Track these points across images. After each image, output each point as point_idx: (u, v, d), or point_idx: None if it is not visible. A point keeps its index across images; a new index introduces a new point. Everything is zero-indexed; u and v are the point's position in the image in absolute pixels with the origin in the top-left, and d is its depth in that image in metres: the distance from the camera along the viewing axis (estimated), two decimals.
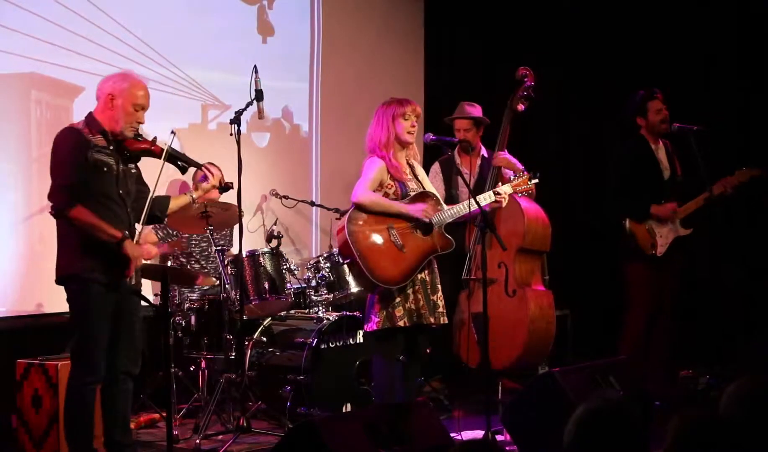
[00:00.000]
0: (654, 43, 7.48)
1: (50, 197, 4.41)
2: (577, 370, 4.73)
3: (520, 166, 6.03)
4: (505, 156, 6.08)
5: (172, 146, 4.63)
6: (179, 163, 4.70)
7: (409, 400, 4.86)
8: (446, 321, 5.08)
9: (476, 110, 6.39)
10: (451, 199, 6.15)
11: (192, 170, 4.87)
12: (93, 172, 4.41)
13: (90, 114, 4.53)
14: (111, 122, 4.49)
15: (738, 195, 6.12)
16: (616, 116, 6.78)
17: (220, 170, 4.77)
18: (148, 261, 5.57)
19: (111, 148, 4.49)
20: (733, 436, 2.30)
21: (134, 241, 4.46)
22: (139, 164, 4.70)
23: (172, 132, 4.62)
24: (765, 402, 2.55)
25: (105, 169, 4.43)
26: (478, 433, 5.09)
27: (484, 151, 6.39)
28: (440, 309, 5.02)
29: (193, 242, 6.39)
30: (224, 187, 4.83)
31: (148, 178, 4.71)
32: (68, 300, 4.52)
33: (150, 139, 4.61)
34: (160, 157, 4.55)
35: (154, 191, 4.53)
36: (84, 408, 4.50)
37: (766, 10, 7.03)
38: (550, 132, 7.86)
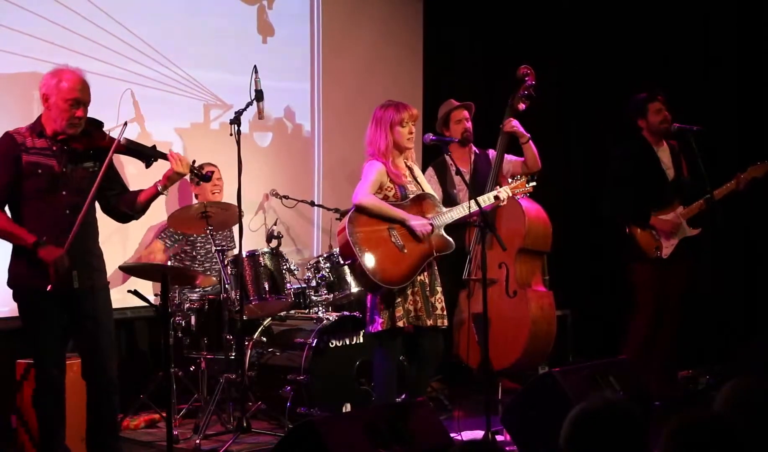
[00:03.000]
0: (654, 43, 7.49)
1: None
2: (577, 370, 4.73)
3: (527, 134, 6.04)
4: (515, 123, 6.07)
5: (127, 138, 4.48)
6: (140, 155, 4.57)
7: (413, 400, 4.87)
8: (446, 324, 5.07)
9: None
10: (450, 198, 6.15)
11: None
12: (25, 174, 4.35)
13: (39, 116, 4.48)
14: (51, 122, 4.40)
15: (751, 190, 6.10)
16: (617, 117, 6.78)
17: (186, 160, 4.56)
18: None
19: (54, 148, 4.40)
20: (730, 437, 2.30)
21: (67, 242, 4.26)
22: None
23: (124, 123, 4.44)
24: (759, 402, 2.55)
25: (39, 170, 4.35)
26: (478, 433, 5.09)
27: (475, 148, 6.39)
28: (439, 311, 5.02)
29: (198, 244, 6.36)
30: (201, 176, 4.71)
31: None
32: None
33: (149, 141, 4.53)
34: (117, 152, 4.45)
35: (95, 188, 4.34)
36: (38, 413, 4.52)
37: (766, 10, 7.03)
38: (550, 132, 7.85)
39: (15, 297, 4.52)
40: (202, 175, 4.76)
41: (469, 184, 5.38)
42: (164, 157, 4.56)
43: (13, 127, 5.75)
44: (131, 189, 4.75)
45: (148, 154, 4.57)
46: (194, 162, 4.66)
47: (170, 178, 4.57)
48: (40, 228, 4.34)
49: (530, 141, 6.09)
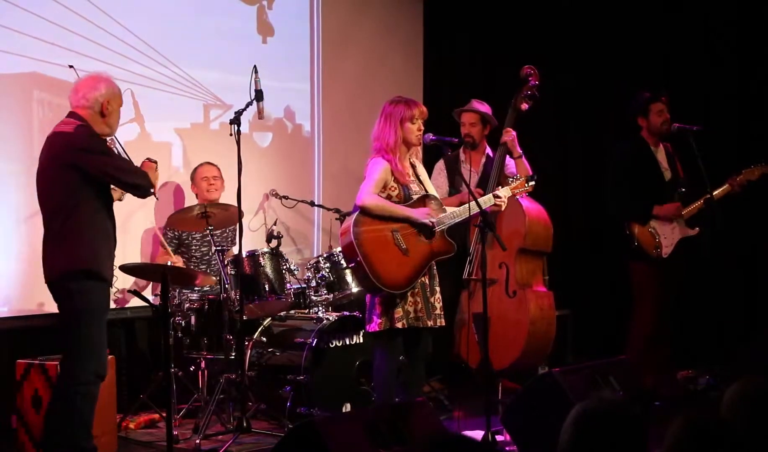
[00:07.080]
0: (654, 43, 7.49)
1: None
2: (577, 370, 4.73)
3: (519, 151, 6.04)
4: (514, 136, 6.05)
5: (121, 144, 4.78)
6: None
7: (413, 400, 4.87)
8: (443, 323, 5.06)
9: (484, 107, 6.40)
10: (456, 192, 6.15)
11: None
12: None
13: (86, 123, 4.51)
14: (105, 128, 4.57)
15: (745, 192, 6.10)
16: (617, 116, 6.79)
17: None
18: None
19: None
20: (736, 437, 2.30)
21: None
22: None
23: (70, 66, 4.75)
24: (765, 403, 2.55)
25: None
26: (478, 433, 5.09)
27: (489, 151, 6.39)
28: (437, 311, 5.01)
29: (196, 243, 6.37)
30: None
31: None
32: (63, 298, 4.50)
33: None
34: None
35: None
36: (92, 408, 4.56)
37: (766, 10, 7.03)
38: (549, 132, 7.86)
39: (79, 287, 4.45)
40: None
41: (474, 184, 5.34)
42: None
43: (12, 128, 5.77)
44: None
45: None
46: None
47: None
48: (108, 229, 4.56)
49: (522, 157, 6.07)
